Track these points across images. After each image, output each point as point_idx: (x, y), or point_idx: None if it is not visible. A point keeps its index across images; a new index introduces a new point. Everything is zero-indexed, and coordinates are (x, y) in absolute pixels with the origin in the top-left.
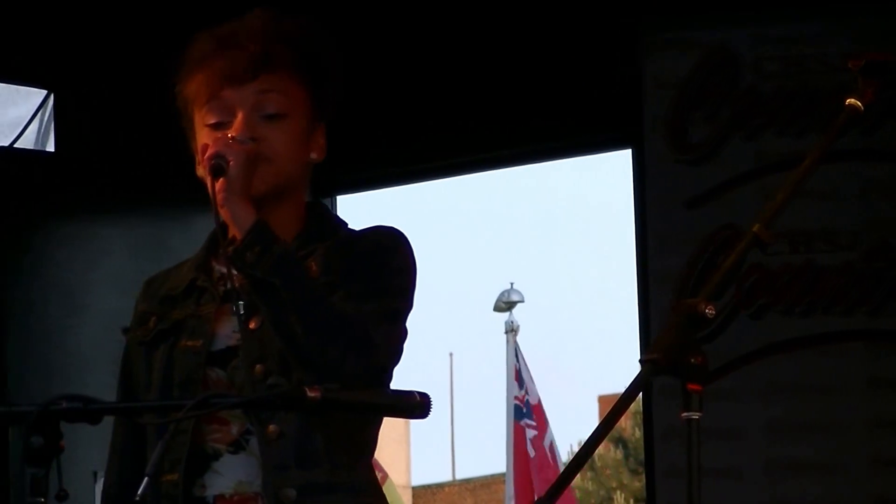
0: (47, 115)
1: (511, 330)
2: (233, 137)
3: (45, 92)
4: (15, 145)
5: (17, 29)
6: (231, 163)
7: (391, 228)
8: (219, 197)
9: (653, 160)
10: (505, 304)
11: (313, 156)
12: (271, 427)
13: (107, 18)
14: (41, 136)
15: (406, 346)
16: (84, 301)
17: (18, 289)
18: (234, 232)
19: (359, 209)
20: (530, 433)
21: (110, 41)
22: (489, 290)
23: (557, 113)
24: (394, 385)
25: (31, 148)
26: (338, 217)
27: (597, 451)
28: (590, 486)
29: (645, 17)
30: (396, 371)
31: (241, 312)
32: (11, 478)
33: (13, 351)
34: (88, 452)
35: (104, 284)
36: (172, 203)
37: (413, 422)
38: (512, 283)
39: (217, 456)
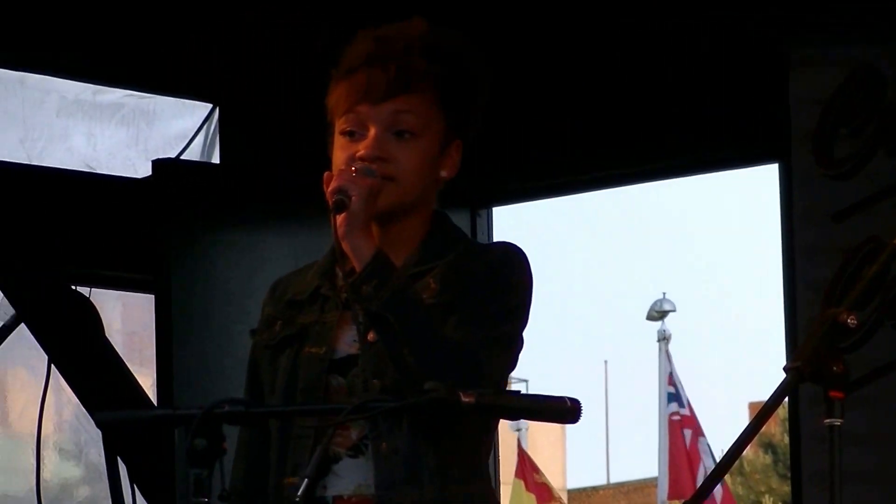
0: (213, 127)
1: (663, 338)
2: (356, 170)
3: (210, 105)
4: (181, 157)
5: (183, 46)
6: (353, 198)
7: (509, 246)
8: (340, 230)
9: (799, 174)
10: (657, 313)
11: (443, 174)
12: (384, 444)
13: (268, 34)
14: (206, 148)
15: (563, 353)
16: (247, 307)
17: (184, 296)
18: (354, 264)
19: (516, 220)
20: (687, 434)
21: (272, 56)
22: (642, 299)
23: (708, 128)
24: (550, 390)
25: (197, 160)
26: (459, 230)
27: (746, 456)
28: (739, 490)
29: (791, 34)
30: (554, 378)
31: (360, 322)
32: (177, 479)
33: (180, 356)
34: None
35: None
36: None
37: (568, 426)
38: (664, 293)
39: (337, 459)
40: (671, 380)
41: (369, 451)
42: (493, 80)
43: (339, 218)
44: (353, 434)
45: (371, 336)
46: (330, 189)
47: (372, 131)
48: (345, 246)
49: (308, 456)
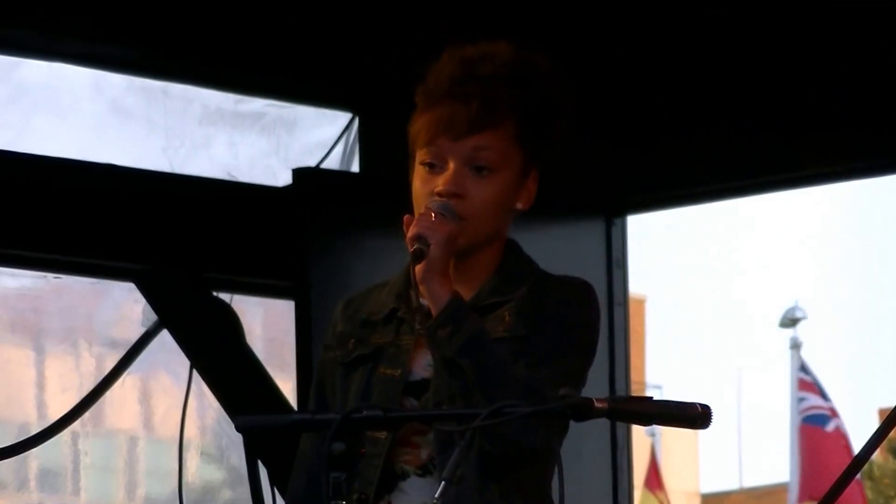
0: (352, 136)
1: (795, 345)
2: (435, 214)
3: (350, 115)
4: (321, 166)
5: (323, 55)
6: (432, 245)
7: (579, 281)
8: (418, 275)
9: None
10: (790, 320)
11: (519, 206)
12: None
13: (407, 42)
14: (346, 157)
15: (696, 360)
16: None
17: (324, 302)
18: (430, 307)
19: (650, 228)
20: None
21: (412, 65)
22: (775, 307)
23: (839, 137)
24: (684, 396)
25: (337, 168)
26: (530, 259)
27: (875, 461)
28: (869, 494)
29: None
30: (687, 384)
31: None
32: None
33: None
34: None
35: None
36: None
37: (701, 432)
38: (796, 301)
39: (405, 476)
40: (804, 385)
41: (438, 471)
42: (577, 103)
43: (418, 266)
44: (423, 453)
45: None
46: (409, 236)
47: (451, 166)
48: (422, 290)
49: (376, 475)
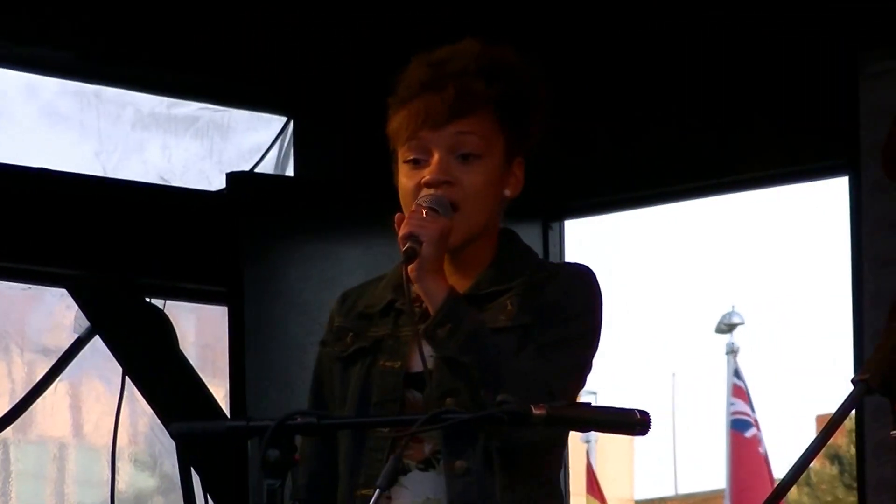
0: (287, 140)
1: (732, 351)
2: (426, 211)
3: (284, 118)
4: (255, 170)
5: (257, 59)
6: (424, 244)
7: (580, 269)
8: (412, 274)
9: (869, 186)
10: (726, 325)
11: (507, 192)
12: (458, 462)
13: (342, 47)
14: (281, 161)
15: (631, 365)
16: (321, 319)
17: (258, 308)
18: (427, 305)
19: (587, 233)
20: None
21: (347, 69)
22: (711, 312)
23: (777, 141)
24: (618, 402)
25: (271, 172)
26: (527, 246)
27: (813, 467)
28: (806, 500)
29: (862, 46)
30: (622, 390)
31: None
32: (250, 489)
33: (254, 367)
34: None
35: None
36: None
37: (637, 438)
38: (733, 306)
39: (406, 471)
40: (737, 391)
41: (440, 465)
42: (551, 93)
43: (411, 266)
44: (426, 448)
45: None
46: (401, 234)
47: (436, 156)
48: (417, 289)
49: (381, 469)
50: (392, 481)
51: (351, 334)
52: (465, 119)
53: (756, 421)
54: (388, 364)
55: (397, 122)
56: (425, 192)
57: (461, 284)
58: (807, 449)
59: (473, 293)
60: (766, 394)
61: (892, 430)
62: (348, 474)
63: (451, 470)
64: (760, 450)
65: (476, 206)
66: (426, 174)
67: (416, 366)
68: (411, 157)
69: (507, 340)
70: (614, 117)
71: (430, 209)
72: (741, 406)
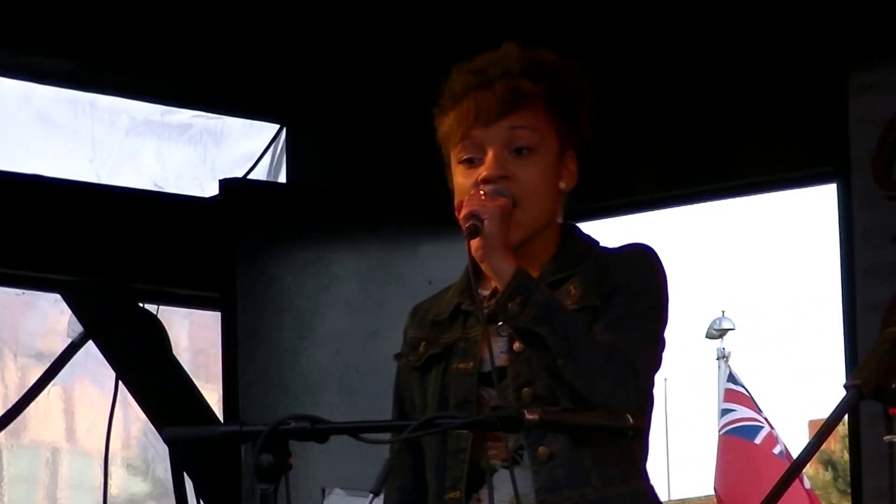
0: (279, 148)
1: (723, 356)
2: (485, 193)
3: (277, 126)
4: (248, 176)
5: (250, 67)
6: (486, 221)
7: (642, 247)
8: (477, 254)
9: (859, 195)
10: (717, 331)
11: (562, 185)
12: (541, 448)
13: (334, 55)
14: (273, 168)
15: None
16: (314, 325)
17: (253, 313)
18: (496, 284)
19: None
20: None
21: (339, 77)
22: (702, 318)
23: (768, 148)
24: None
25: (265, 179)
26: (589, 236)
27: (807, 473)
28: None
29: (853, 56)
30: None
31: (506, 333)
32: (243, 494)
33: (247, 372)
34: (316, 470)
35: (334, 308)
36: (400, 230)
37: None
38: (723, 312)
39: (492, 471)
40: (733, 396)
41: (525, 460)
42: (596, 86)
43: (475, 242)
44: (509, 443)
45: (517, 346)
46: (462, 214)
47: (490, 153)
48: (485, 268)
49: (465, 470)
50: (476, 483)
51: (423, 343)
52: (517, 113)
53: (767, 419)
54: (461, 366)
55: (447, 125)
56: (484, 186)
57: None
58: (800, 454)
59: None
60: (758, 399)
61: (885, 436)
62: (436, 479)
63: (535, 458)
64: (776, 450)
65: (535, 200)
66: (482, 171)
67: (489, 364)
68: (466, 157)
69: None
70: (608, 124)
71: (489, 193)
72: (745, 412)
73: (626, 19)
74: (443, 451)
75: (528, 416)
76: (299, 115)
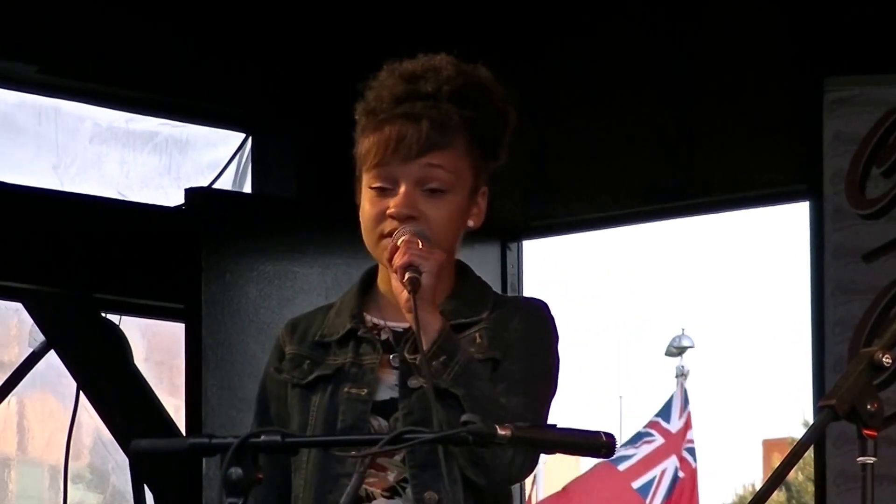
0: (245, 157)
1: (681, 374)
2: (420, 242)
3: (243, 135)
4: (213, 186)
5: (216, 75)
6: (424, 274)
7: (538, 304)
8: (408, 304)
9: (831, 213)
10: (676, 349)
11: (471, 223)
12: (428, 494)
13: (300, 65)
14: (239, 178)
15: (579, 387)
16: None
17: (217, 325)
18: (421, 337)
19: (541, 254)
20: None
21: (305, 86)
22: (660, 335)
23: (738, 166)
24: (565, 424)
25: (229, 189)
26: (479, 277)
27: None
28: None
29: (827, 73)
30: (569, 411)
31: (398, 367)
32: None
33: (211, 385)
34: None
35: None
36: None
37: (582, 460)
38: (683, 329)
39: (371, 499)
40: (688, 419)
41: (407, 493)
42: (517, 116)
43: (411, 295)
44: (391, 476)
45: (412, 382)
46: (400, 264)
47: (402, 188)
48: (409, 318)
49: (351, 495)
50: (352, 501)
51: (308, 361)
52: (437, 153)
53: (683, 455)
54: (353, 391)
55: (365, 146)
56: (391, 222)
57: None
58: (772, 475)
59: None
60: (715, 417)
61: (858, 457)
62: (314, 500)
63: (421, 500)
64: (636, 484)
65: (441, 241)
66: (391, 205)
67: (383, 394)
68: (377, 185)
69: (484, 371)
70: (574, 139)
71: (424, 239)
72: (646, 449)
73: (597, 33)
74: (325, 473)
75: (501, 432)
76: (265, 124)
